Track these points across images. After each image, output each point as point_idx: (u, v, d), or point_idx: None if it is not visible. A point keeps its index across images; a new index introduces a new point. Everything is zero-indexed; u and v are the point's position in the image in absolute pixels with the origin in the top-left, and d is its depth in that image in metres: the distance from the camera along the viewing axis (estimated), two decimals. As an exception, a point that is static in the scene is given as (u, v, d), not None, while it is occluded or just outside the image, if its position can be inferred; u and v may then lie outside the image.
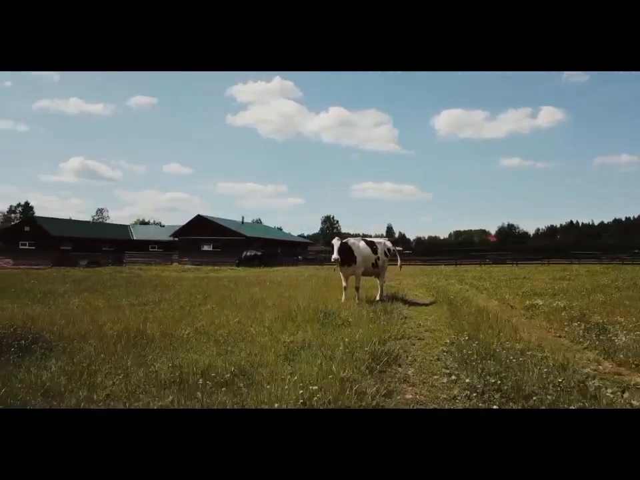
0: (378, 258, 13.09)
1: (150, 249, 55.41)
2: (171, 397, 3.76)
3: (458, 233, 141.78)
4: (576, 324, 8.20)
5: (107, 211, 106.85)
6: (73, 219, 65.75)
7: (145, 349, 5.92)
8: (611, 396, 4.01)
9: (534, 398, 3.84)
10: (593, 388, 4.17)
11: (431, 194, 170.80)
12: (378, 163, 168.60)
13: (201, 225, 47.87)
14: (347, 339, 6.20)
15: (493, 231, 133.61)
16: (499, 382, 4.23)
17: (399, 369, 5.43)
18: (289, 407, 3.48)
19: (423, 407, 3.95)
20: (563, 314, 9.39)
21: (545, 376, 4.35)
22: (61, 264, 42.04)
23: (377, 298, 12.96)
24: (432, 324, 9.09)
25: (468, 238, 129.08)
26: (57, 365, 4.87)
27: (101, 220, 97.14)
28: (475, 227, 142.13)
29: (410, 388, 4.64)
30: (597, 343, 6.57)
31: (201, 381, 4.22)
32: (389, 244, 13.91)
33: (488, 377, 4.38)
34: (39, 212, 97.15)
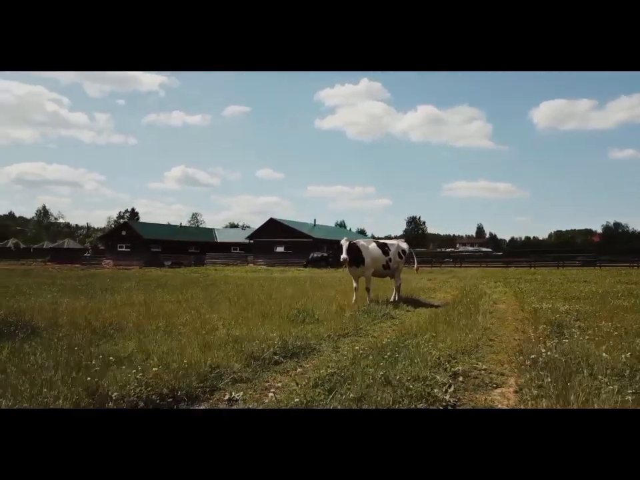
0: (390, 259, 13.24)
1: (232, 251, 58.80)
2: (60, 373, 4.61)
3: (559, 234, 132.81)
4: (542, 327, 8.03)
5: (201, 215, 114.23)
6: (170, 223, 71.41)
7: (103, 337, 6.92)
8: (436, 391, 4.24)
9: (347, 387, 4.21)
10: (431, 381, 4.46)
11: (528, 192, 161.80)
12: (471, 160, 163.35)
13: (273, 228, 50.05)
14: (275, 334, 6.77)
15: (600, 230, 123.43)
16: (341, 374, 4.61)
17: (303, 361, 5.89)
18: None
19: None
20: (541, 317, 9.18)
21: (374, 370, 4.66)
22: (150, 264, 46.25)
23: (391, 299, 13.16)
24: (409, 325, 9.23)
25: (569, 239, 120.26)
26: (10, 346, 5.99)
27: (195, 224, 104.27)
28: (579, 226, 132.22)
29: (280, 377, 5.12)
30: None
31: (94, 362, 5.05)
32: (403, 245, 13.99)
33: (338, 370, 4.76)
34: (145, 217, 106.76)
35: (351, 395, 3.94)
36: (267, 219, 52.04)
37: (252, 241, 52.71)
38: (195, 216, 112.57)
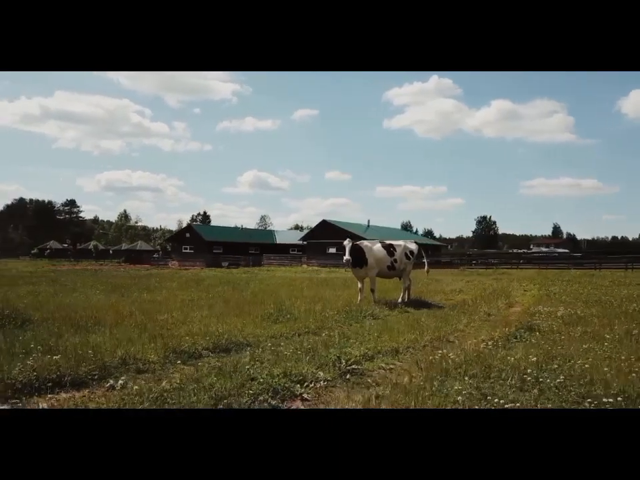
0: (395, 260, 13.17)
1: (291, 252, 60.12)
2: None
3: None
4: (506, 329, 7.82)
5: (269, 217, 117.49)
6: (243, 225, 74.56)
7: (77, 329, 7.63)
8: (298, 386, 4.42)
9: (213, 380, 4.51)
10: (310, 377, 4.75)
11: (617, 187, 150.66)
12: (551, 156, 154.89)
13: (326, 229, 50.55)
14: (220, 330, 7.15)
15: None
16: (223, 369, 4.90)
17: (228, 356, 6.20)
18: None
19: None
20: (522, 320, 8.88)
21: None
22: (211, 265, 48.46)
23: (399, 300, 13.08)
24: (383, 323, 9.24)
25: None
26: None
27: (263, 226, 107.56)
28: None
29: (184, 368, 5.48)
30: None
31: (32, 345, 5.72)
32: (412, 246, 13.83)
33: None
34: (220, 220, 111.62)
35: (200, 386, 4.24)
36: (339, 219, 52.80)
37: (305, 242, 53.67)
38: (263, 218, 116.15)
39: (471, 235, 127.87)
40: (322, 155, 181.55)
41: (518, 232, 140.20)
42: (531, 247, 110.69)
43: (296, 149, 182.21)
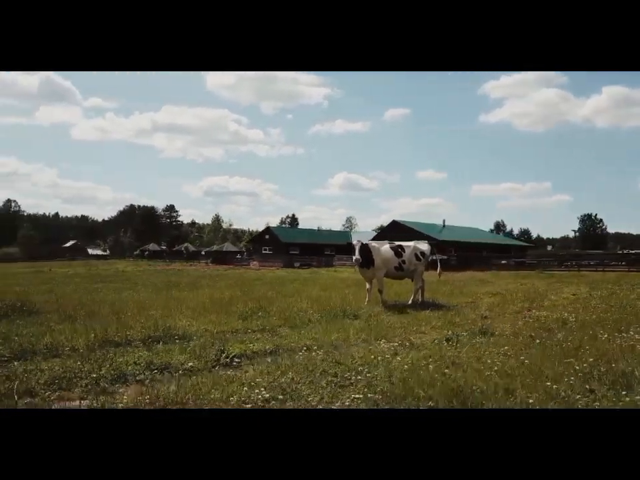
0: (403, 261, 13.04)
1: (366, 252, 60.46)
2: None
3: None
4: (448, 332, 7.65)
5: (354, 218, 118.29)
6: (320, 227, 76.48)
7: (61, 321, 8.70)
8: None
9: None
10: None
11: None
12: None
13: (396, 230, 49.83)
14: (168, 324, 7.80)
15: None
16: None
17: (156, 346, 6.76)
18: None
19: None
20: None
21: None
22: (288, 265, 50.30)
23: (409, 302, 12.96)
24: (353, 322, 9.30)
25: None
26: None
27: (349, 228, 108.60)
28: None
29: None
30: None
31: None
32: (423, 247, 13.62)
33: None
34: (311, 222, 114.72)
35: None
36: (430, 220, 52.39)
37: (376, 243, 53.59)
38: (348, 219, 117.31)
39: (573, 234, 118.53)
40: (414, 154, 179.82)
41: (635, 231, 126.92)
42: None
43: (387, 149, 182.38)
